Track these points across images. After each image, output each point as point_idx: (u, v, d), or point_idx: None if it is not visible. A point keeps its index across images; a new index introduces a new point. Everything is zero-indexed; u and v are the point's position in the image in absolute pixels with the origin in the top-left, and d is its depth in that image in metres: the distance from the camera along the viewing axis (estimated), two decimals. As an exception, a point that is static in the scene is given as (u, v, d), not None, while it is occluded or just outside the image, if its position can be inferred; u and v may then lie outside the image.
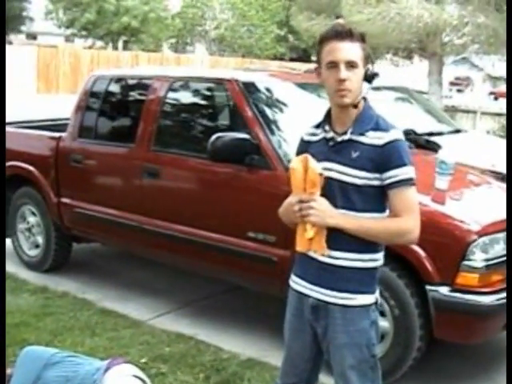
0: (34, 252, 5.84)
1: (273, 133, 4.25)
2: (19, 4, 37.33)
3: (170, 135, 4.87)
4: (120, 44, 38.20)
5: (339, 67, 2.31)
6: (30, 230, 5.85)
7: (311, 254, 2.43)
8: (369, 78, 2.39)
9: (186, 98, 4.93)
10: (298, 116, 4.31)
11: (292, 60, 38.94)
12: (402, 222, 2.33)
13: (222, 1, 40.20)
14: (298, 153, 2.54)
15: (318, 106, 2.95)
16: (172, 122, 4.92)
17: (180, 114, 4.92)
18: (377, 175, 2.34)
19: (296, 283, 2.57)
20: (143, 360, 3.98)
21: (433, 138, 5.45)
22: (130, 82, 5.31)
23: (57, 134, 5.52)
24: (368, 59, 2.38)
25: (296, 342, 2.60)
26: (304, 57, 40.11)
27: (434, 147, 4.96)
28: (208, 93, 4.85)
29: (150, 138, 4.78)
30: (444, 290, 3.49)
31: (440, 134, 6.17)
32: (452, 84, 39.03)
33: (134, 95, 5.25)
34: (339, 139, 2.41)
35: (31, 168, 5.61)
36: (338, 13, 15.06)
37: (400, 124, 5.81)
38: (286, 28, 39.28)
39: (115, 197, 5.08)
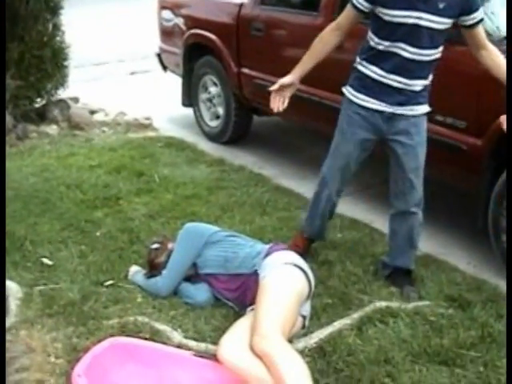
0: (214, 123, 5.78)
1: None
2: None
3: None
4: None
5: None
6: (211, 101, 5.77)
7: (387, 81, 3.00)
8: None
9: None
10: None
11: None
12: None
13: None
14: None
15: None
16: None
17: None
18: (454, 20, 2.87)
19: (368, 102, 3.07)
20: (311, 244, 3.76)
21: None
22: None
23: (239, 1, 5.23)
24: None
25: (357, 152, 3.21)
26: None
27: None
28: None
29: (334, 6, 4.33)
30: None
31: None
32: None
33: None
34: None
35: (213, 36, 5.41)
36: None
37: None
38: None
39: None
